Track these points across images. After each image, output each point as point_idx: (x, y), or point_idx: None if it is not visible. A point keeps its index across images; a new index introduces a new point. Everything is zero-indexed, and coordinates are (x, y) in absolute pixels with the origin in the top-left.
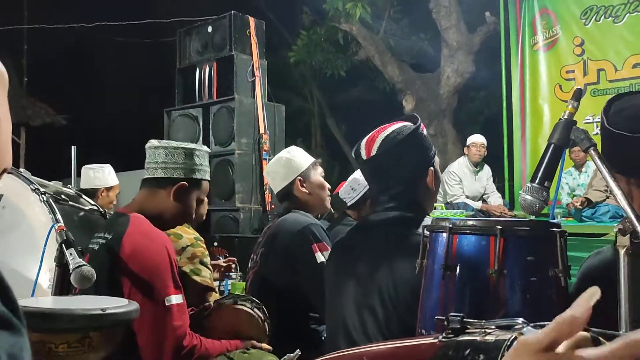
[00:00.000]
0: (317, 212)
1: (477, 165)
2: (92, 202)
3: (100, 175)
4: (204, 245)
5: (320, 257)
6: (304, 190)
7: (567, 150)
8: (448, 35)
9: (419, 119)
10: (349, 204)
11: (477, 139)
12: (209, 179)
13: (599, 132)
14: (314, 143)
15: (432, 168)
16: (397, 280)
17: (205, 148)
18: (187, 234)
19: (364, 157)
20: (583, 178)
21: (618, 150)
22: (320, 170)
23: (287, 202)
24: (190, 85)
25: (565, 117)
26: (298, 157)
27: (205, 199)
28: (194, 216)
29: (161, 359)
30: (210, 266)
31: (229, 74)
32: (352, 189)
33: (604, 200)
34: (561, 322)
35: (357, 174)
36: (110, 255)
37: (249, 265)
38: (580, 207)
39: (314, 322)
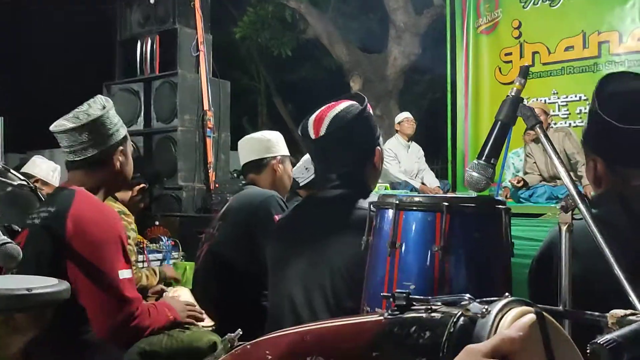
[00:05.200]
0: None
1: (409, 140)
2: (22, 177)
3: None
4: (130, 220)
5: None
6: (279, 169)
7: (523, 131)
8: (396, 17)
9: (366, 98)
10: (301, 184)
11: (406, 115)
12: (126, 132)
13: (586, 111)
14: (260, 121)
15: (378, 148)
16: (343, 257)
17: (109, 101)
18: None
19: (312, 136)
20: None
21: (604, 135)
22: (291, 166)
23: (253, 174)
24: (132, 59)
25: (513, 94)
26: (283, 143)
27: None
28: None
29: (112, 331)
30: (131, 243)
31: (172, 48)
32: (307, 168)
33: (540, 181)
34: (504, 339)
35: None
36: (53, 232)
37: (203, 238)
38: (518, 185)
39: (266, 300)
